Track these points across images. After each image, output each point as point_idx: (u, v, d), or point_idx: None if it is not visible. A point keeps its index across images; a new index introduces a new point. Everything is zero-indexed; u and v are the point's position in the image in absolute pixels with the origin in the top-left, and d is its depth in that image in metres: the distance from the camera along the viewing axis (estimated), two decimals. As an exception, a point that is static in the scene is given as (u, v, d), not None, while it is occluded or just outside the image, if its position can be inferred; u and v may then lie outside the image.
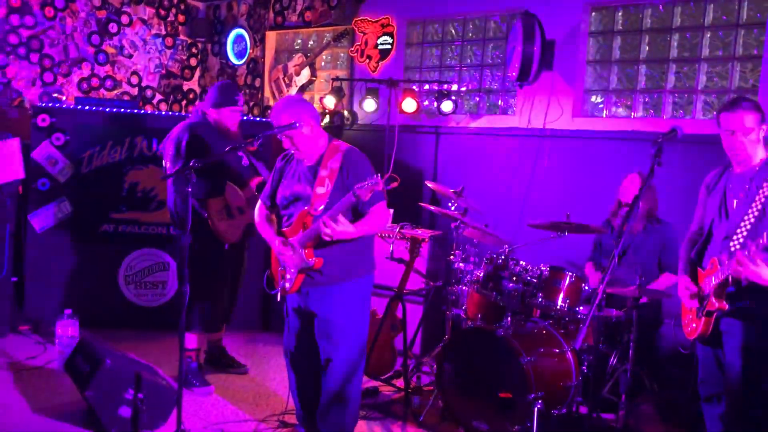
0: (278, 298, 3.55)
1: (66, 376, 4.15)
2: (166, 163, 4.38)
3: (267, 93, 7.26)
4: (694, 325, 3.26)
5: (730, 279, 3.02)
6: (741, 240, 3.07)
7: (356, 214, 3.37)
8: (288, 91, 6.97)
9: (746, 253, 2.82)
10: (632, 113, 5.23)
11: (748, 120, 3.14)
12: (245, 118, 6.35)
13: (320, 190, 3.35)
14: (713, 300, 3.10)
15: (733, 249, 3.08)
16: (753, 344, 3.09)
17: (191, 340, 4.55)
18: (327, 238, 3.21)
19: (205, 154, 4.21)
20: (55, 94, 6.38)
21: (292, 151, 3.49)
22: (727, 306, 3.08)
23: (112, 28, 6.88)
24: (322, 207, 3.32)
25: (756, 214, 3.04)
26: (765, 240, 2.72)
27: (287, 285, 3.49)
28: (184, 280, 3.36)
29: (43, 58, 6.49)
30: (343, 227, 3.20)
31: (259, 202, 3.72)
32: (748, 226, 3.06)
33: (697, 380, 3.42)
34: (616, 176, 4.78)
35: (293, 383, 3.74)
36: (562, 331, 4.18)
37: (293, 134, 3.40)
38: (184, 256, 3.33)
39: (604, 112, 5.36)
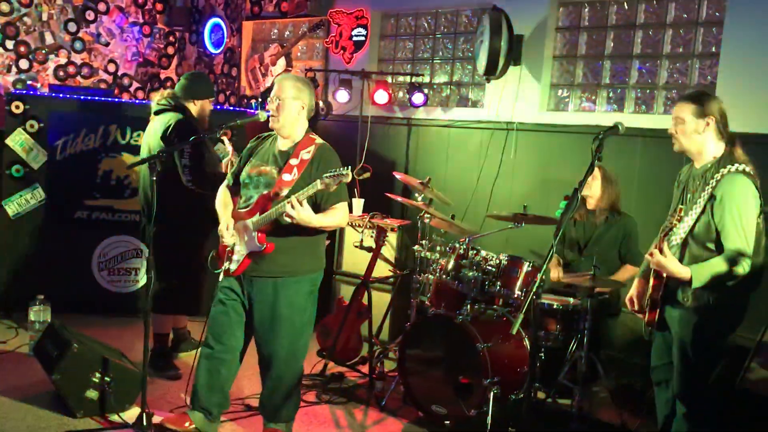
0: (220, 278, 3.54)
1: (36, 361, 4.22)
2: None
3: (243, 82, 7.32)
4: (645, 314, 3.39)
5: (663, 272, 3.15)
6: (682, 235, 3.18)
7: (316, 210, 3.36)
8: (264, 81, 7.04)
9: (656, 247, 2.95)
10: (597, 107, 5.34)
11: (684, 111, 3.21)
12: (224, 107, 6.44)
13: (287, 177, 3.39)
14: (652, 292, 3.24)
15: (673, 244, 3.20)
16: (688, 330, 3.20)
17: (164, 325, 4.64)
18: (288, 219, 3.19)
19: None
20: (30, 81, 6.43)
21: (271, 122, 3.47)
22: (658, 297, 3.20)
23: (89, 15, 6.92)
24: (285, 193, 3.37)
25: (698, 211, 3.13)
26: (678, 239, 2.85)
27: (232, 266, 3.47)
28: (151, 266, 3.47)
29: (19, 45, 6.52)
30: (307, 213, 3.23)
31: (224, 180, 3.75)
32: (691, 222, 3.17)
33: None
34: (581, 169, 4.86)
35: (203, 371, 3.58)
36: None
37: (285, 102, 3.42)
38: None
39: (570, 106, 5.46)
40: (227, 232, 3.46)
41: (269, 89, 6.89)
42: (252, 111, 6.24)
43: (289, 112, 3.46)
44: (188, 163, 4.21)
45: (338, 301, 5.08)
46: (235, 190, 3.68)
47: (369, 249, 4.97)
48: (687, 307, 3.18)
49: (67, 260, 5.61)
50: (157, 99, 4.57)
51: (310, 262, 3.55)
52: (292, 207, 3.17)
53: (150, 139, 4.47)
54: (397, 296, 5.32)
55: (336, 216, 3.42)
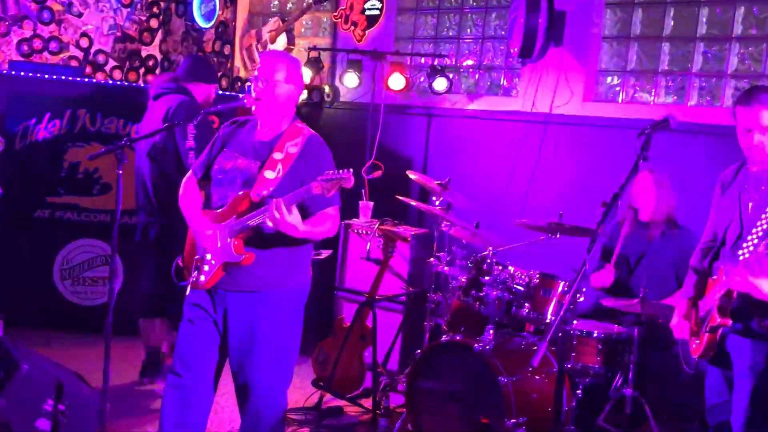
0: (187, 292, 3.48)
1: (-21, 384, 4.21)
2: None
3: (237, 62, 7.33)
4: (697, 341, 3.31)
5: (734, 292, 3.07)
6: (751, 248, 3.11)
7: (302, 212, 3.27)
8: (260, 61, 7.03)
9: (746, 262, 2.87)
10: (653, 98, 5.27)
11: (766, 116, 3.16)
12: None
13: (269, 174, 3.33)
14: (715, 314, 3.15)
15: (741, 258, 3.12)
16: (763, 365, 3.12)
17: (156, 336, 4.74)
18: (271, 225, 3.13)
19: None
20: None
21: (254, 107, 3.41)
22: (730, 322, 3.12)
23: (60, -19, 6.95)
24: (266, 194, 3.30)
25: None
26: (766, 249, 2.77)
27: (202, 278, 3.40)
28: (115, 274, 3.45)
29: (-24, 15, 6.56)
30: (294, 219, 3.15)
31: (189, 171, 3.67)
32: (760, 233, 3.10)
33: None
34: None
35: (171, 405, 3.50)
36: (554, 348, 4.22)
37: (269, 82, 3.37)
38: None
39: (621, 95, 5.40)
40: (206, 232, 3.40)
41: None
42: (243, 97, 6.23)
43: (278, 97, 3.42)
44: (194, 146, 4.41)
45: (338, 321, 5.04)
46: (204, 184, 3.62)
47: (378, 261, 4.93)
48: (763, 337, 3.10)
49: (24, 267, 5.63)
50: (157, 83, 4.78)
51: (294, 275, 3.50)
52: (277, 211, 3.10)
53: (151, 126, 4.54)
54: (408, 318, 5.28)
55: (325, 224, 3.36)
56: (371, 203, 5.79)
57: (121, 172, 3.43)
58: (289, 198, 3.14)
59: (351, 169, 3.08)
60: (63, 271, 5.73)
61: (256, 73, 3.43)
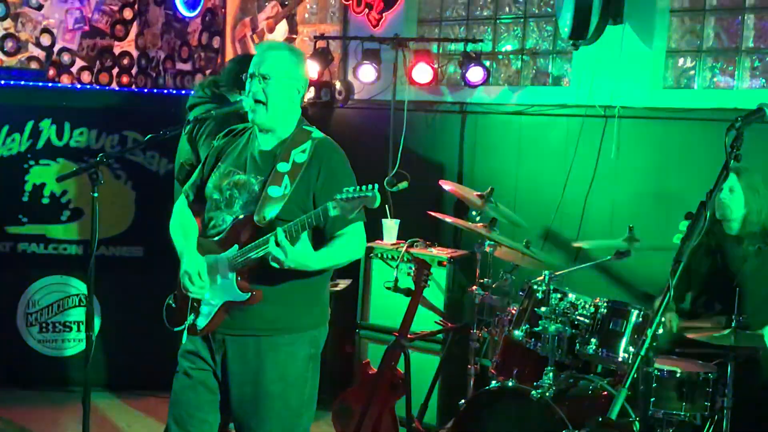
0: (183, 339, 3.46)
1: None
2: None
3: (229, 57, 7.34)
4: None
5: None
6: None
7: (317, 235, 3.29)
8: (257, 54, 7.05)
9: None
10: (737, 83, 5.24)
11: None
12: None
13: (274, 191, 3.29)
14: None
15: None
16: None
17: None
18: (274, 263, 3.16)
19: None
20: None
21: (251, 113, 3.37)
22: None
23: (15, -32, 7.02)
24: (273, 216, 3.28)
25: None
26: None
27: (199, 322, 3.38)
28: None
29: None
30: (303, 252, 3.14)
31: (181, 195, 3.66)
32: None
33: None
34: (715, 172, 4.76)
35: None
36: (629, 393, 4.18)
37: (274, 82, 3.33)
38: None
39: (698, 81, 5.37)
40: (197, 278, 3.38)
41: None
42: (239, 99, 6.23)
43: (281, 97, 3.39)
44: None
45: (363, 367, 5.02)
46: (198, 208, 3.60)
47: (407, 292, 4.91)
48: None
49: (-19, 311, 5.65)
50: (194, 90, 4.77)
51: (310, 314, 3.46)
52: (278, 245, 3.08)
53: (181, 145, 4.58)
54: (447, 360, 5.25)
55: (348, 247, 3.33)
56: (397, 221, 5.77)
57: (96, 195, 3.44)
58: (291, 227, 3.11)
59: (376, 184, 3.05)
60: (28, 315, 5.73)
61: (251, 69, 3.42)
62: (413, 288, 4.83)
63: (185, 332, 3.46)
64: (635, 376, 2.66)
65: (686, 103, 5.28)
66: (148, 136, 3.60)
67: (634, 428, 4.10)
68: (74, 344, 5.79)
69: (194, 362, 3.47)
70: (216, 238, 3.39)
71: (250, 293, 3.27)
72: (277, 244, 3.07)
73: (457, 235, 6.03)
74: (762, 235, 4.47)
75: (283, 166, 3.34)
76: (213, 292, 3.37)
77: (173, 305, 3.53)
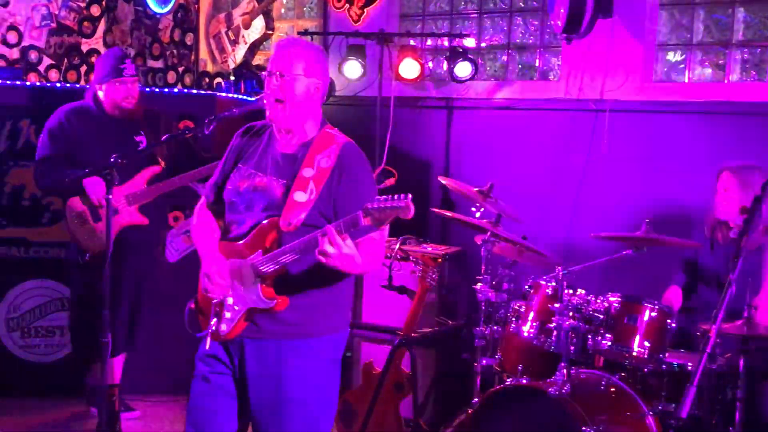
0: (206, 345, 3.38)
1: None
2: None
3: (203, 54, 7.22)
4: None
5: None
6: None
7: None
8: (234, 50, 6.94)
9: None
10: (726, 76, 5.26)
11: None
12: (176, 90, 6.33)
13: (300, 196, 3.22)
14: None
15: None
16: None
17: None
18: (323, 260, 3.02)
19: (72, 144, 4.93)
20: None
21: (269, 112, 3.30)
22: None
23: (-22, -38, 6.82)
24: (299, 221, 3.19)
25: None
26: None
27: (223, 327, 3.32)
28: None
29: None
30: (350, 251, 3.01)
31: (201, 197, 3.61)
32: None
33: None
34: (708, 167, 4.79)
35: None
36: (639, 386, 4.20)
37: (286, 78, 3.26)
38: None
39: (687, 74, 5.41)
40: (218, 279, 3.30)
41: (244, 64, 6.87)
42: (241, 97, 6.29)
43: (300, 96, 3.31)
44: None
45: (366, 367, 4.98)
46: (218, 209, 3.53)
47: (402, 290, 4.89)
48: None
49: (-39, 318, 5.52)
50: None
51: (332, 317, 3.40)
52: (332, 244, 2.98)
53: None
54: (446, 358, 5.25)
55: (374, 252, 3.25)
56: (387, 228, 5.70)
57: (110, 197, 3.36)
58: (340, 225, 3.01)
59: (410, 194, 2.92)
60: (9, 321, 5.61)
61: (268, 67, 3.33)
62: (412, 287, 4.81)
63: (208, 338, 3.38)
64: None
65: (676, 96, 5.31)
66: (166, 136, 3.52)
67: (648, 422, 4.08)
68: (57, 350, 5.68)
69: (212, 366, 3.40)
70: (238, 242, 3.32)
71: (275, 300, 3.21)
72: (331, 243, 2.95)
73: (443, 232, 6.01)
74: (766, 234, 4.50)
75: (307, 172, 3.25)
76: (236, 297, 3.29)
77: (195, 310, 3.46)
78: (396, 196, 2.92)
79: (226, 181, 3.43)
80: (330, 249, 2.97)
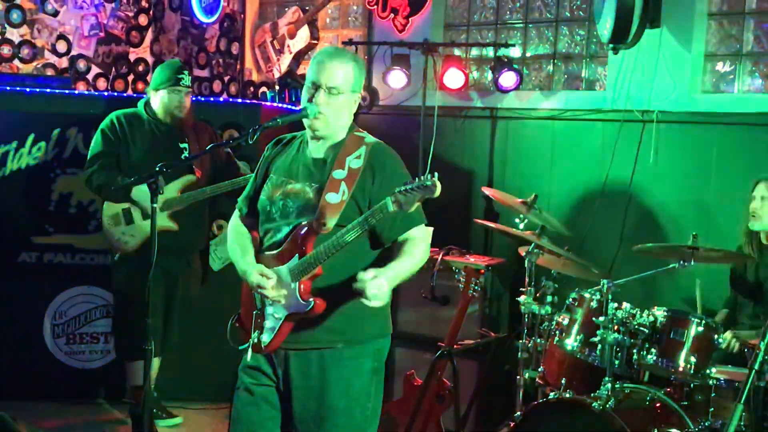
0: (248, 358, 3.38)
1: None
2: None
3: (249, 63, 7.29)
4: None
5: None
6: None
7: (374, 243, 3.25)
8: (280, 59, 6.98)
9: None
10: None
11: None
12: (222, 99, 6.38)
13: (332, 198, 3.22)
14: None
15: None
16: None
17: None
18: (375, 303, 3.03)
19: (121, 146, 5.04)
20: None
21: (312, 123, 3.30)
22: None
23: (31, -26, 6.92)
24: (333, 223, 3.20)
25: None
26: None
27: (264, 338, 3.32)
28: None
29: (-67, 18, 6.53)
30: (386, 280, 3.03)
31: (235, 210, 3.63)
32: None
33: None
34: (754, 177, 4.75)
35: None
36: (686, 402, 4.16)
37: (334, 92, 3.26)
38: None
39: (737, 85, 5.36)
40: (269, 281, 3.29)
41: (288, 73, 6.90)
42: (286, 106, 6.24)
43: (344, 110, 3.33)
44: None
45: (407, 378, 4.96)
46: (252, 222, 3.55)
47: (444, 300, 4.85)
48: None
49: (7, 324, 5.56)
50: None
51: (375, 324, 3.39)
52: (378, 290, 3.00)
53: None
54: (488, 371, 5.22)
55: (414, 254, 3.27)
56: (430, 228, 5.67)
57: (156, 205, 3.39)
58: (356, 224, 3.09)
59: (436, 173, 2.94)
60: (55, 326, 5.65)
61: (314, 78, 3.33)
62: (455, 297, 4.78)
63: (249, 350, 3.38)
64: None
65: (725, 107, 5.26)
66: (210, 145, 3.53)
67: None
68: (102, 356, 5.72)
69: (256, 378, 3.42)
70: (275, 251, 3.32)
71: (312, 302, 3.19)
72: (378, 289, 3.01)
73: (487, 242, 5.99)
74: None
75: (338, 174, 3.27)
76: (276, 305, 3.29)
77: (237, 324, 3.48)
78: (422, 176, 2.95)
79: (259, 192, 3.46)
80: (373, 291, 3.00)
